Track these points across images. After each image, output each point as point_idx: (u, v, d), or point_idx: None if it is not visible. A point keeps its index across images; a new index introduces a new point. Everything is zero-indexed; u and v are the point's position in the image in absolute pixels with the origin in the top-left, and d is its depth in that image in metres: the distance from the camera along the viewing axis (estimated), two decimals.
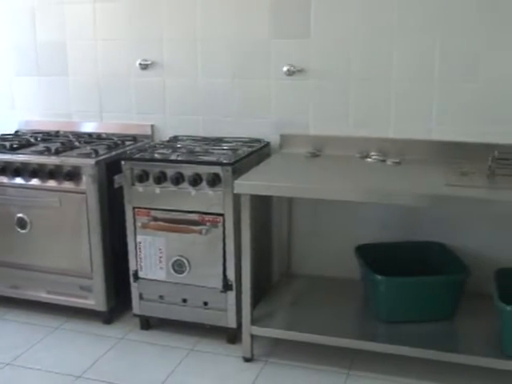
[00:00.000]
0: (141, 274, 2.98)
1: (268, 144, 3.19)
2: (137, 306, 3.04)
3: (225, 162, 2.76)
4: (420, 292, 2.70)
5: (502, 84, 2.83)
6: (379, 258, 2.87)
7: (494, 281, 2.59)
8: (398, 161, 2.89)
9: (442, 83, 2.91)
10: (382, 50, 2.95)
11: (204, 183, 2.77)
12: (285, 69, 3.10)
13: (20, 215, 3.09)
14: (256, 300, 2.86)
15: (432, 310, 2.73)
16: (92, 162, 2.94)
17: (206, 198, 2.78)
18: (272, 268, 3.34)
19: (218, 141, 3.20)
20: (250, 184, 2.60)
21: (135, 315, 3.07)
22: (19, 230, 3.11)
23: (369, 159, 2.97)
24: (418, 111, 2.97)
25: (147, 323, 3.10)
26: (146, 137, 3.42)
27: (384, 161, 2.92)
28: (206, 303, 2.91)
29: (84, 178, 2.95)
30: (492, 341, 2.55)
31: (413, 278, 2.73)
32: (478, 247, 2.96)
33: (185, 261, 2.88)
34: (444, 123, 2.94)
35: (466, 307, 2.78)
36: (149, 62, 3.35)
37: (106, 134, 3.49)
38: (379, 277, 2.68)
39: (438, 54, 2.88)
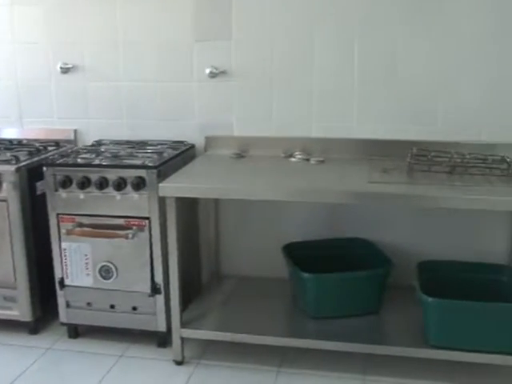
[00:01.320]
0: (67, 282, 2.92)
1: (193, 146, 3.19)
2: (64, 314, 2.98)
3: (149, 165, 2.75)
4: (345, 287, 2.76)
5: (418, 83, 2.92)
6: (306, 255, 2.91)
7: (417, 273, 2.68)
8: (321, 159, 2.94)
9: (362, 83, 2.98)
10: (303, 51, 3.00)
11: (129, 187, 2.74)
12: (207, 71, 3.10)
13: None
14: (186, 302, 2.86)
15: (358, 305, 2.79)
16: (12, 168, 2.86)
17: (132, 202, 2.75)
18: (201, 269, 3.34)
19: (143, 144, 3.18)
20: (175, 186, 2.59)
21: (62, 324, 3.01)
22: None
23: (293, 159, 3.01)
24: (340, 110, 3.03)
25: (75, 331, 3.04)
26: (69, 142, 3.35)
27: (308, 160, 2.96)
28: (134, 308, 2.88)
29: (4, 186, 2.87)
30: (416, 332, 2.63)
31: (338, 273, 2.77)
32: (401, 241, 3.04)
33: (112, 266, 2.84)
34: (365, 122, 3.02)
35: (392, 300, 2.86)
36: (70, 66, 3.29)
37: (27, 139, 3.39)
38: (305, 274, 2.72)
39: (357, 55, 2.95)
